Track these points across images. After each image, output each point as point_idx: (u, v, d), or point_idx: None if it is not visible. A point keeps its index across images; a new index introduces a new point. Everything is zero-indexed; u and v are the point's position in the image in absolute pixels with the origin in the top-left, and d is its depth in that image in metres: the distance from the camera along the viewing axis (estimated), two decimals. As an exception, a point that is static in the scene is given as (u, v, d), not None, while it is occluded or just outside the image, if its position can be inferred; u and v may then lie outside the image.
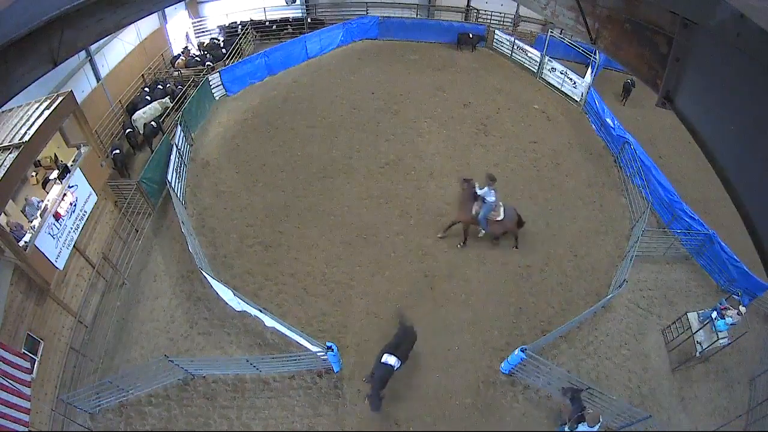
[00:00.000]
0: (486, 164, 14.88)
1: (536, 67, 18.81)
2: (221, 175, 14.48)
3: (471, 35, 20.08)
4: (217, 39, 20.55)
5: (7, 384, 7.72)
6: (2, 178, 8.29)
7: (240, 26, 20.77)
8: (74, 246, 10.57)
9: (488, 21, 21.61)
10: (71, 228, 10.42)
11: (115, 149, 13.77)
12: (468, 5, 21.92)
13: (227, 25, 21.05)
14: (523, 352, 9.16)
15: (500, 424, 9.49)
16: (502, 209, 11.58)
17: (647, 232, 12.29)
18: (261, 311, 9.90)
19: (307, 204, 13.57)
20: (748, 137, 3.11)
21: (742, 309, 10.32)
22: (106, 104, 15.58)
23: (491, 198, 11.13)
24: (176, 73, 18.90)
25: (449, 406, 9.69)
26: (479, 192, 11.35)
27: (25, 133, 9.15)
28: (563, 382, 9.26)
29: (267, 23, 21.45)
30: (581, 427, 8.45)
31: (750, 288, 11.27)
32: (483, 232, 12.27)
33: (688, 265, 12.66)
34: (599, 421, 8.46)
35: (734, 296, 11.42)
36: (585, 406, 8.73)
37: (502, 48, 20.15)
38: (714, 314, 10.26)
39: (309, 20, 21.40)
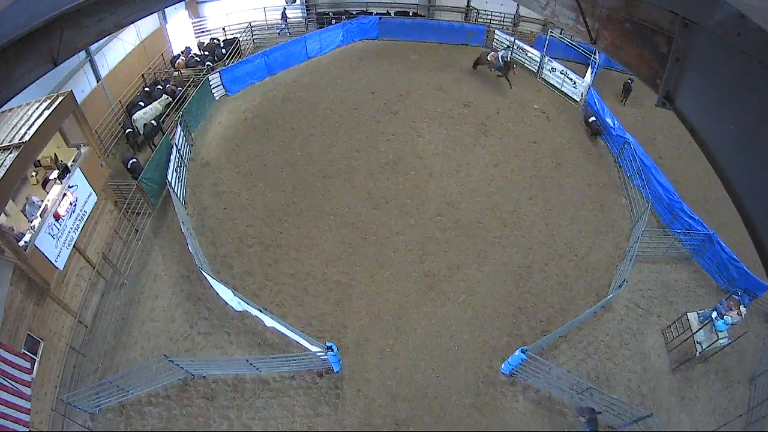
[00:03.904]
0: (486, 164, 14.89)
1: (536, 67, 18.80)
2: (221, 175, 14.48)
3: (592, 120, 15.96)
4: (217, 39, 20.53)
5: (7, 384, 7.72)
6: (2, 178, 8.30)
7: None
8: (74, 246, 10.57)
9: (488, 21, 21.60)
10: (71, 228, 10.42)
11: (131, 159, 13.82)
12: (468, 5, 21.92)
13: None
14: (523, 353, 9.16)
15: (500, 424, 9.50)
16: None
17: (647, 232, 12.29)
18: (261, 311, 9.90)
19: (307, 204, 13.57)
20: (748, 137, 3.11)
21: (743, 309, 10.32)
22: (106, 104, 15.58)
23: None
24: (176, 73, 18.91)
25: (449, 406, 9.69)
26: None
27: (25, 133, 9.16)
28: (567, 384, 9.24)
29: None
30: None
31: (750, 288, 11.27)
32: None
33: (688, 265, 12.65)
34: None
35: (734, 296, 11.41)
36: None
37: (502, 48, 20.10)
38: (714, 314, 10.26)
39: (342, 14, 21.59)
